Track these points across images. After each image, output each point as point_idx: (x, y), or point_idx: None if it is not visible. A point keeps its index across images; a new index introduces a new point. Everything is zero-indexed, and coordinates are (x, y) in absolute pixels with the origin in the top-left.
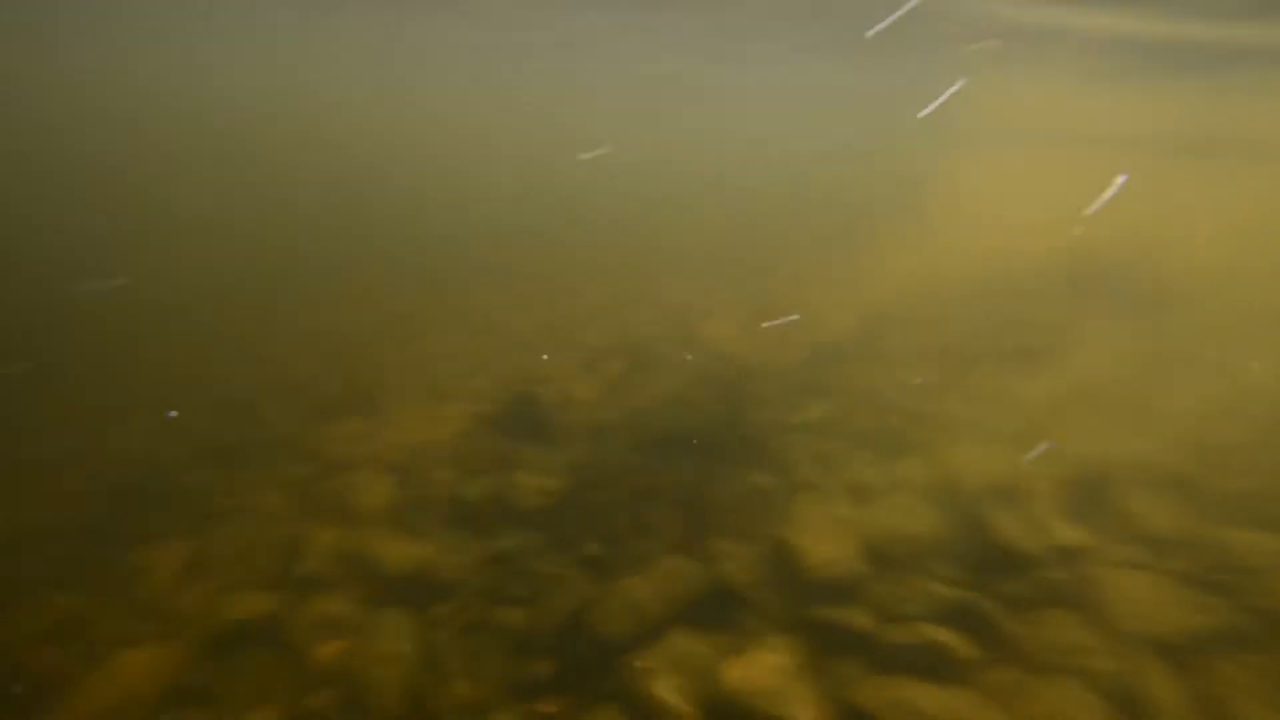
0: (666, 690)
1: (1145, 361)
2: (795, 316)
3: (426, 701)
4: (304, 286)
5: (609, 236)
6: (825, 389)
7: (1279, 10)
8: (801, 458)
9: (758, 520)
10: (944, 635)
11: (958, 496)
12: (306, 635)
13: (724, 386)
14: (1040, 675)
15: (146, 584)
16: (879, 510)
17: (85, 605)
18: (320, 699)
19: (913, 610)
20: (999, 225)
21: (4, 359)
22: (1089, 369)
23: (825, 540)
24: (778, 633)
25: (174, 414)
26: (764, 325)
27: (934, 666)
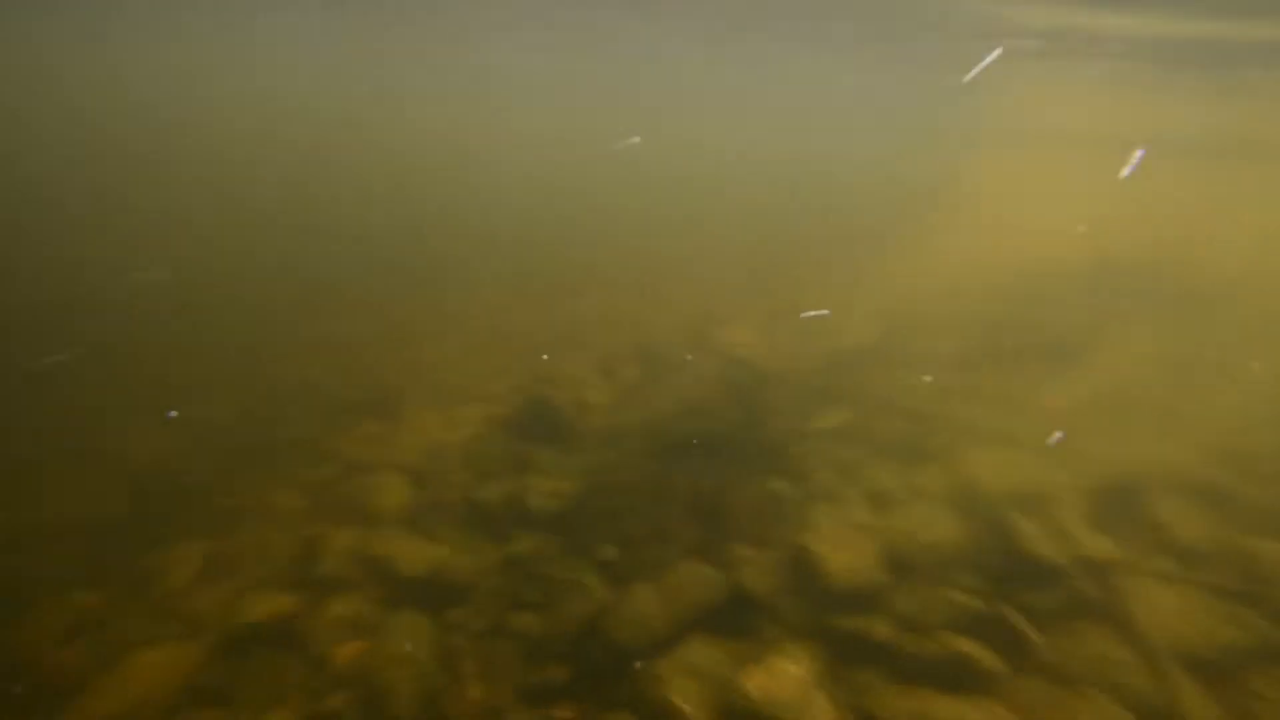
0: (683, 698)
1: (1171, 366)
2: (826, 312)
3: (441, 705)
4: (318, 290)
5: (624, 237)
6: (843, 394)
7: None
8: (820, 464)
9: (776, 527)
10: (967, 646)
11: (980, 504)
12: (323, 637)
13: (741, 391)
14: (1067, 688)
15: (164, 584)
16: (900, 517)
17: (103, 604)
18: (336, 701)
19: (935, 620)
20: (1021, 227)
21: (24, 359)
22: (1114, 374)
23: (845, 547)
24: (796, 641)
25: (174, 414)
26: (802, 315)
27: (957, 678)
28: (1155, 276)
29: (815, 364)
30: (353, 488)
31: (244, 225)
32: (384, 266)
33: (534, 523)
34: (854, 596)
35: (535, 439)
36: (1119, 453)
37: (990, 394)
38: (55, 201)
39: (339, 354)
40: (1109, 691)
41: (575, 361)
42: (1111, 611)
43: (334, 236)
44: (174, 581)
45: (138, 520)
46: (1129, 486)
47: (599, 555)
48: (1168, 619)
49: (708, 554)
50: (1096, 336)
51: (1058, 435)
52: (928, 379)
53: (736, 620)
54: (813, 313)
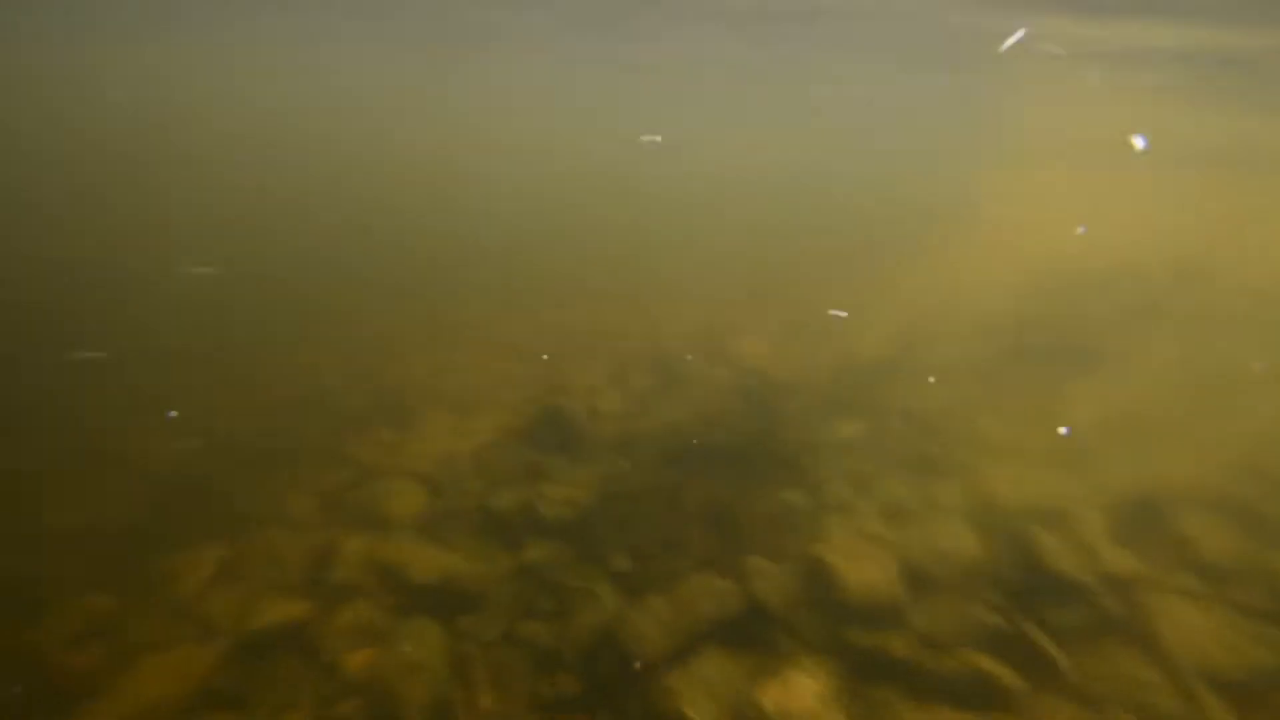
0: (697, 711)
1: (1195, 379)
2: (844, 314)
3: (453, 713)
4: (333, 299)
5: (635, 246)
6: (859, 405)
7: None
8: (833, 475)
9: (790, 538)
10: (987, 663)
11: (999, 517)
12: (336, 643)
13: (754, 401)
14: (1092, 708)
15: (178, 588)
16: (916, 530)
17: (119, 607)
18: (347, 707)
19: (954, 636)
20: (1042, 235)
21: (45, 364)
22: (1136, 387)
23: (861, 560)
24: (812, 655)
25: (174, 414)
26: (830, 313)
27: (977, 696)
28: (1184, 291)
29: (829, 373)
30: (366, 494)
31: (258, 233)
32: (396, 274)
33: (546, 531)
34: (870, 610)
35: (547, 447)
36: (1141, 466)
37: (1011, 406)
38: (52, 204)
39: (353, 363)
40: (1135, 712)
41: (587, 370)
42: (1136, 629)
43: (349, 247)
44: (188, 586)
45: (154, 524)
46: (1152, 501)
47: (611, 565)
48: (1194, 638)
49: (721, 565)
50: (1119, 348)
51: (1064, 430)
52: (947, 388)
53: (751, 633)
54: (836, 312)
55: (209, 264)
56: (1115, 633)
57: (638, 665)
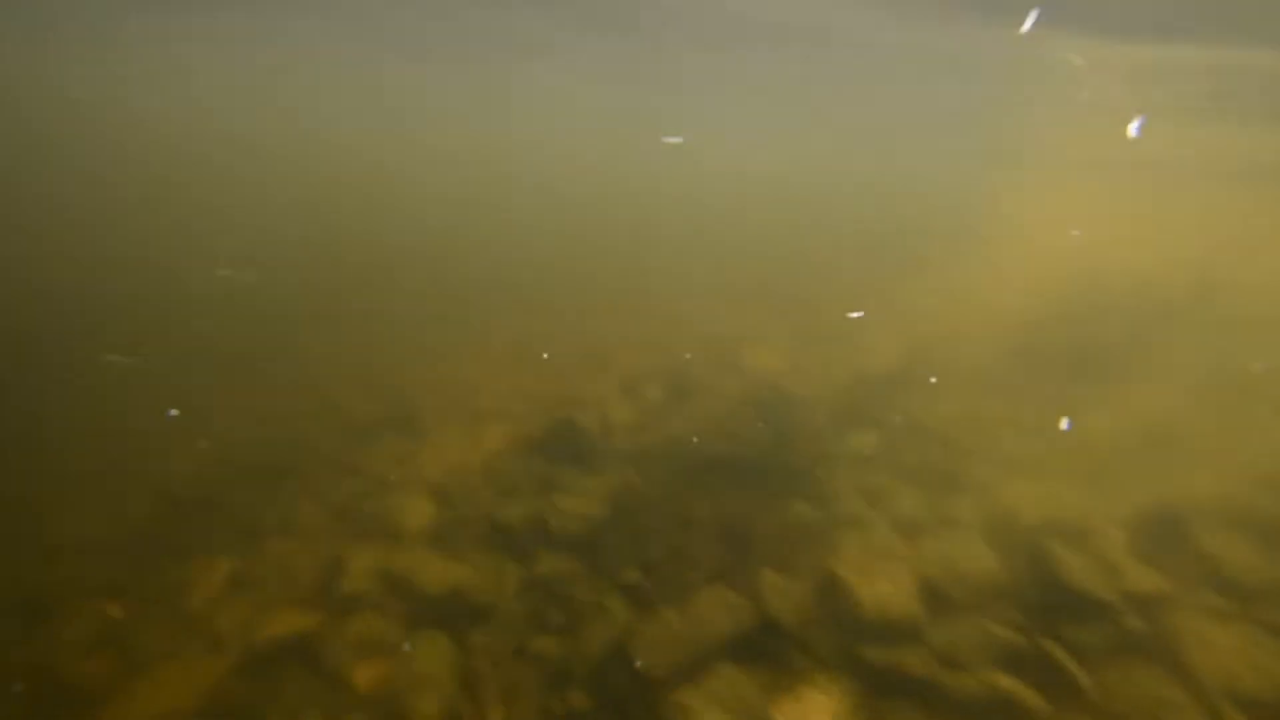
0: None
1: (1219, 395)
2: (860, 314)
3: None
4: (344, 312)
5: (646, 257)
6: (872, 418)
7: None
8: (848, 488)
9: (804, 552)
10: (1007, 682)
11: (1017, 532)
12: (346, 656)
13: (767, 413)
14: None
15: (190, 598)
16: (933, 545)
17: (130, 617)
18: None
19: (972, 654)
20: (1060, 253)
21: (59, 375)
22: (1159, 401)
23: (876, 575)
24: (827, 672)
25: (174, 413)
26: (849, 315)
27: (997, 715)
28: (1207, 305)
29: (842, 385)
30: (376, 505)
31: (267, 243)
32: (407, 284)
33: (557, 543)
34: (886, 627)
35: (558, 459)
36: (1163, 481)
37: (1030, 419)
38: (60, 204)
39: (364, 375)
40: None
41: (599, 381)
42: (1160, 648)
43: (359, 259)
44: (199, 595)
45: (166, 534)
46: (1175, 516)
47: (623, 578)
48: (1220, 657)
49: (733, 579)
50: (1140, 360)
51: (1065, 423)
52: (962, 402)
53: (764, 648)
54: (854, 314)
55: (219, 271)
56: (1138, 651)
57: (638, 664)
